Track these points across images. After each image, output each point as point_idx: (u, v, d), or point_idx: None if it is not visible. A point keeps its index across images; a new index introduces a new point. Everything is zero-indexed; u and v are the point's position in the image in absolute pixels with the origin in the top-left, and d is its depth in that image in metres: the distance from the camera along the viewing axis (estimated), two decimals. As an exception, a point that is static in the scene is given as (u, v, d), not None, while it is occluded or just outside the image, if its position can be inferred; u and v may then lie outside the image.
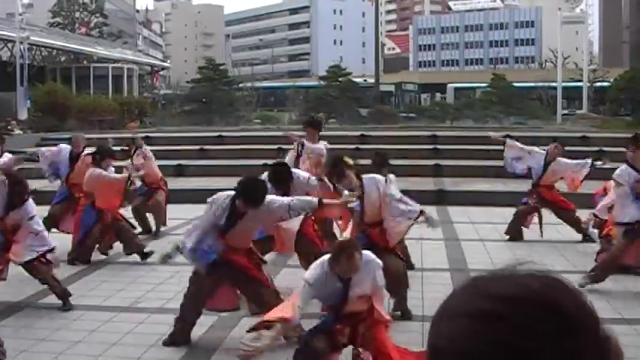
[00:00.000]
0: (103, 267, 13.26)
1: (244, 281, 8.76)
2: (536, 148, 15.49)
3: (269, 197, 8.52)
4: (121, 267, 13.20)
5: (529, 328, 1.22)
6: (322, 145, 13.82)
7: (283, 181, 10.41)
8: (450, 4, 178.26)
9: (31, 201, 10.54)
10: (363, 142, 27.59)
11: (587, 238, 14.55)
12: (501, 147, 15.99)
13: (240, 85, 66.35)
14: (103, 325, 9.61)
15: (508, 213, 15.70)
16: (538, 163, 15.17)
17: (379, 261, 7.37)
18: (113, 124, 39.88)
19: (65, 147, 15.29)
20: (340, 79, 61.86)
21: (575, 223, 14.87)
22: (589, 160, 14.99)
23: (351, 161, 9.61)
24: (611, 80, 54.62)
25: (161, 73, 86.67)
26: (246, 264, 8.74)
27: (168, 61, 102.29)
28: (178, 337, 8.90)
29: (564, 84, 52.32)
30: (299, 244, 10.79)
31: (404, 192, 10.11)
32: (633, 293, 11.01)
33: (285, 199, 8.78)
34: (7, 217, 10.42)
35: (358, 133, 30.90)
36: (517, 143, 15.86)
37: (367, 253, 7.26)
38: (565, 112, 52.66)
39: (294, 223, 10.24)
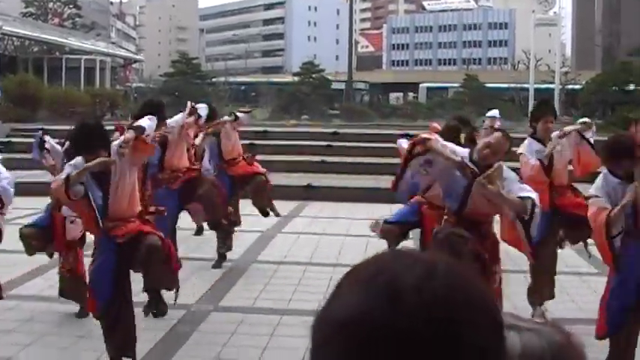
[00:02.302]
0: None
1: None
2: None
3: None
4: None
5: None
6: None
7: None
8: (424, 3, 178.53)
9: None
10: (336, 140, 27.61)
11: None
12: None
13: (213, 79, 66.28)
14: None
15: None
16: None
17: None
18: (85, 116, 39.62)
19: None
20: (313, 76, 61.91)
21: None
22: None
23: None
24: (583, 83, 54.94)
25: (134, 66, 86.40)
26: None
27: (142, 55, 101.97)
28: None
29: (536, 86, 52.56)
30: None
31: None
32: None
33: None
34: None
35: (331, 130, 30.91)
36: None
37: None
38: (536, 113, 52.89)
39: None
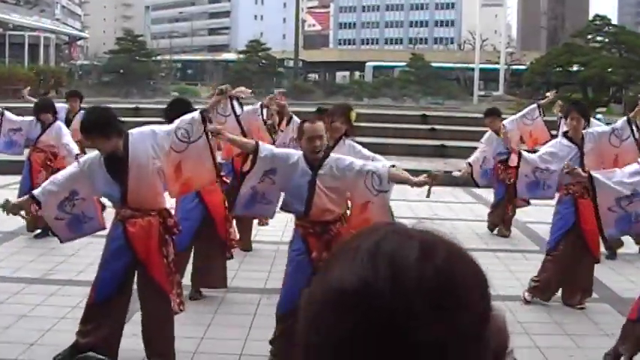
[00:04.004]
0: (13, 238, 13.09)
1: None
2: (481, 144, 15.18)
3: None
4: (32, 239, 13.02)
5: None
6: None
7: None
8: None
9: None
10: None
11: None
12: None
13: (159, 57, 65.90)
14: (12, 297, 9.52)
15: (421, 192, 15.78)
16: (490, 143, 14.53)
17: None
18: (28, 94, 39.17)
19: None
20: (260, 54, 61.80)
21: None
22: (533, 106, 14.91)
23: None
24: (528, 64, 55.44)
25: (79, 43, 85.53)
26: None
27: (87, 32, 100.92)
28: None
29: (482, 66, 52.99)
30: None
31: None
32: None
33: None
34: None
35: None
36: (473, 158, 15.39)
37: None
38: (482, 93, 53.37)
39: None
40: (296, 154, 7.55)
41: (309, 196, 7.32)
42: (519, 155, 10.44)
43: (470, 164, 14.46)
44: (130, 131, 7.41)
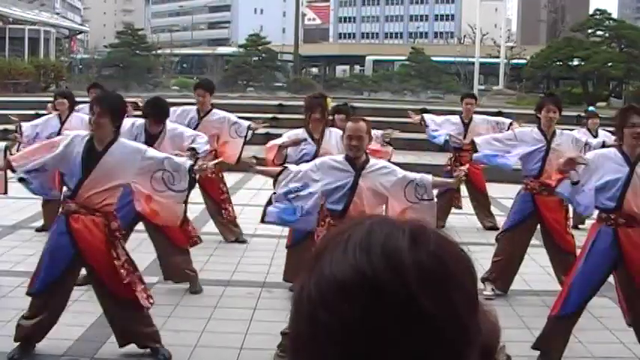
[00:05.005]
0: (13, 232, 13.11)
1: None
2: (452, 117, 15.14)
3: None
4: (32, 233, 13.01)
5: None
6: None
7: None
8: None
9: None
10: (282, 112, 27.57)
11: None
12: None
13: (159, 51, 65.85)
14: (13, 291, 9.54)
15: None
16: (456, 125, 14.54)
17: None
18: (28, 88, 39.23)
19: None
20: (259, 48, 61.75)
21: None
22: (507, 120, 14.55)
23: None
24: (528, 58, 55.35)
25: (79, 37, 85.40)
26: None
27: (87, 25, 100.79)
28: None
29: (482, 60, 52.86)
30: None
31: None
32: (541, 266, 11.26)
33: None
34: None
35: (276, 103, 30.87)
36: (433, 117, 15.52)
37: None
38: (482, 87, 53.26)
39: None
40: (329, 158, 7.88)
41: (350, 196, 7.46)
42: (472, 143, 10.51)
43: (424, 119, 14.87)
44: (121, 137, 7.51)
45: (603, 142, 10.93)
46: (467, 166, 8.38)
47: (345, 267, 1.30)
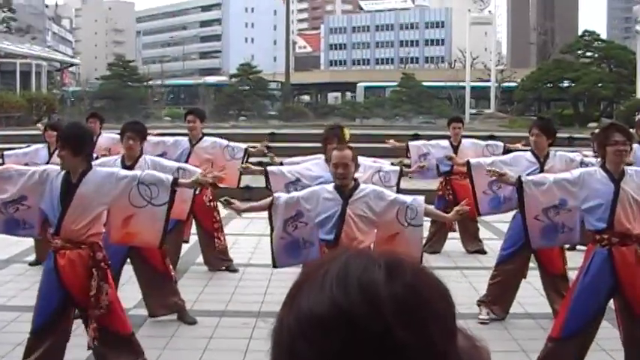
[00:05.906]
0: (7, 266, 13.07)
1: None
2: (441, 141, 15.09)
3: None
4: (25, 267, 12.97)
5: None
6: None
7: None
8: (362, 3, 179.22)
9: None
10: (273, 140, 27.59)
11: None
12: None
13: (150, 82, 66.02)
14: (8, 326, 9.50)
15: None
16: (446, 149, 14.37)
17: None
18: (20, 121, 39.27)
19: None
20: (250, 77, 61.95)
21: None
22: (500, 143, 14.47)
23: None
24: (519, 81, 55.58)
25: (70, 69, 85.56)
26: None
27: (78, 58, 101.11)
28: None
29: (473, 84, 53.13)
30: None
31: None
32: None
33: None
34: None
35: (268, 131, 30.95)
36: (423, 143, 15.44)
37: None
38: (473, 111, 53.49)
39: None
40: (320, 188, 7.83)
41: (339, 225, 7.45)
42: (468, 164, 10.49)
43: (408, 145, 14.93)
44: (95, 166, 7.54)
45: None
46: (468, 208, 8.23)
47: (323, 300, 1.32)
